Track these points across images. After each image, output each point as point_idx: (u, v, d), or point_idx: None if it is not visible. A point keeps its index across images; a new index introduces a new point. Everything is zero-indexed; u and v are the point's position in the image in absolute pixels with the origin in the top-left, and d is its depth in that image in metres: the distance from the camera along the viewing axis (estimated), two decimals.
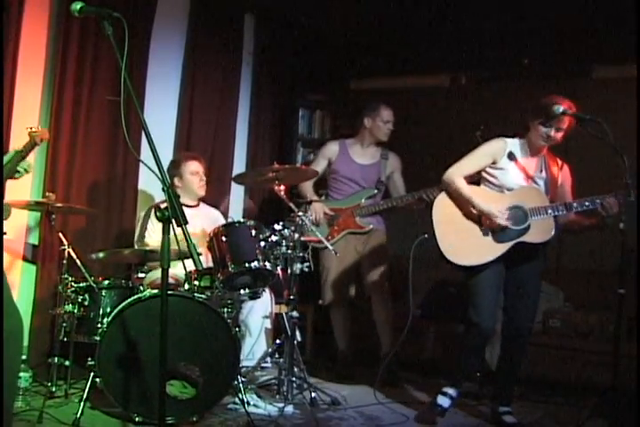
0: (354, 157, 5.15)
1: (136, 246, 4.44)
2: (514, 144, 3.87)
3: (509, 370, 3.97)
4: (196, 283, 4.03)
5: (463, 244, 3.78)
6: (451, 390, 3.93)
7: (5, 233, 3.15)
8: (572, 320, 5.02)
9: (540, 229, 3.74)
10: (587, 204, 3.71)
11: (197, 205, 4.75)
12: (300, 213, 4.24)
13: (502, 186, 3.84)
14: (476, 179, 3.95)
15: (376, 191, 5.10)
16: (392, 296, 5.07)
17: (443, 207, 3.87)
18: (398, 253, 4.78)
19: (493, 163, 3.85)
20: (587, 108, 3.73)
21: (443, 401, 3.91)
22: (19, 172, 3.18)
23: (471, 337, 3.87)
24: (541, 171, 3.88)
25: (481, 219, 3.79)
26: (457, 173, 3.84)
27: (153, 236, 4.43)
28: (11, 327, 2.73)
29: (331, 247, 4.42)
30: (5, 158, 3.08)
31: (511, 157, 3.83)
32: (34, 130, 3.38)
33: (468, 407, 4.21)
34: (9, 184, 3.27)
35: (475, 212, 3.80)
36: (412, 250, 4.22)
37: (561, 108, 3.63)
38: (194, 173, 4.62)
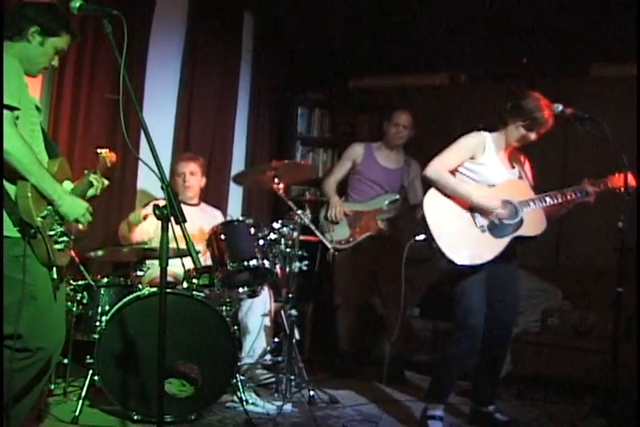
0: (379, 160, 5.14)
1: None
2: (490, 138, 3.78)
3: (494, 369, 3.89)
4: (195, 281, 4.03)
5: (464, 242, 3.63)
6: (438, 412, 3.72)
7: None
8: (571, 319, 5.01)
9: (532, 221, 3.66)
10: (572, 192, 3.69)
11: (198, 203, 4.76)
12: (299, 212, 4.24)
13: (483, 182, 3.71)
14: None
15: (398, 197, 5.08)
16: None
17: (435, 205, 3.69)
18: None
19: (471, 158, 3.74)
20: (585, 107, 3.73)
21: (435, 426, 3.72)
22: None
23: (464, 341, 3.70)
24: (513, 166, 3.83)
25: (476, 212, 3.67)
26: (442, 168, 3.69)
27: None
28: (46, 346, 2.69)
29: (330, 246, 4.43)
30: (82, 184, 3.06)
31: (490, 151, 3.75)
32: (103, 153, 3.39)
33: (466, 406, 4.21)
34: None
35: (468, 206, 3.67)
36: (404, 251, 4.13)
37: (560, 107, 3.62)
38: (179, 174, 4.66)
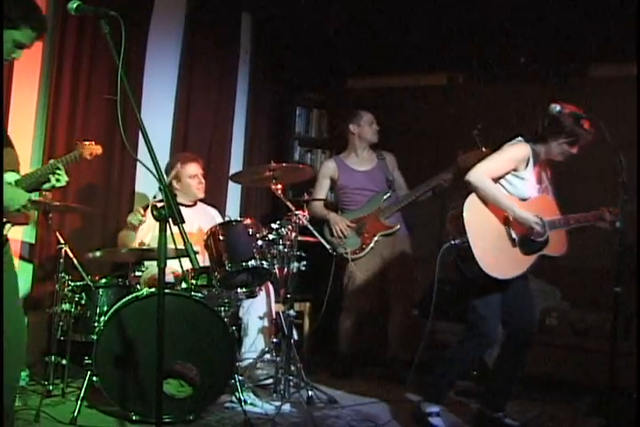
0: (354, 167, 5.15)
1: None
2: (532, 152, 3.68)
3: (511, 376, 3.83)
4: (193, 282, 4.03)
5: (497, 254, 3.56)
6: (435, 408, 3.76)
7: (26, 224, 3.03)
8: (569, 319, 5.01)
9: (557, 241, 3.66)
10: (591, 217, 3.72)
11: (194, 204, 4.76)
12: (298, 212, 4.24)
13: (517, 195, 3.65)
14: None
15: (390, 192, 5.07)
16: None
17: (476, 211, 3.57)
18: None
19: (514, 170, 3.64)
20: (584, 107, 3.72)
21: (438, 422, 3.74)
22: (48, 181, 3.01)
23: (474, 347, 3.74)
24: (542, 182, 3.76)
25: (510, 226, 3.60)
26: (485, 175, 3.57)
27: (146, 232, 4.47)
28: (13, 333, 2.64)
29: (329, 248, 4.43)
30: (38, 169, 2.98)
31: (530, 165, 3.66)
32: (87, 144, 3.33)
33: (464, 406, 4.21)
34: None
35: (503, 218, 3.60)
36: (438, 256, 3.86)
37: (557, 108, 3.60)
38: (192, 175, 4.63)
